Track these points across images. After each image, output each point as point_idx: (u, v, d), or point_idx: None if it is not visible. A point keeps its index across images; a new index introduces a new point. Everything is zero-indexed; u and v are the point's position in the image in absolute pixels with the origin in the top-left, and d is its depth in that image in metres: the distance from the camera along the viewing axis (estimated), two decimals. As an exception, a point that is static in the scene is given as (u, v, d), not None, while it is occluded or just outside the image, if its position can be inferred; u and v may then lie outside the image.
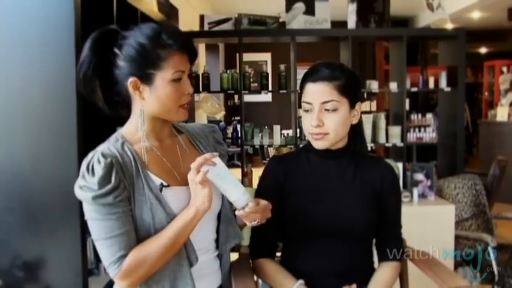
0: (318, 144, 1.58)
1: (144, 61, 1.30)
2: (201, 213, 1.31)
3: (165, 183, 1.35)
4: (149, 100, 1.34)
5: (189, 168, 1.37)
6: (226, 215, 1.48)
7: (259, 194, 1.65)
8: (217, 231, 1.48)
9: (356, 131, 1.64)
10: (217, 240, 1.49)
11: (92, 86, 1.35)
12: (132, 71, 1.32)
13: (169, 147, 1.44)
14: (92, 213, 1.28)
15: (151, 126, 1.39)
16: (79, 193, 1.28)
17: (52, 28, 1.93)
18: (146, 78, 1.32)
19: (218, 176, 1.32)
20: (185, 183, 1.38)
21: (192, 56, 1.37)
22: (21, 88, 1.95)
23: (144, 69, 1.31)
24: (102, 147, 1.33)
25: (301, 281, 1.56)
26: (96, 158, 1.28)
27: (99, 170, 1.25)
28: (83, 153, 1.96)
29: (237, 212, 1.37)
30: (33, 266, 1.98)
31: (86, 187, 1.26)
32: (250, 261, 1.68)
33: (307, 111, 1.56)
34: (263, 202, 1.40)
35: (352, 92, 1.56)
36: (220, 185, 1.34)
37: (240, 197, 1.35)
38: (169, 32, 1.32)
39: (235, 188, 1.35)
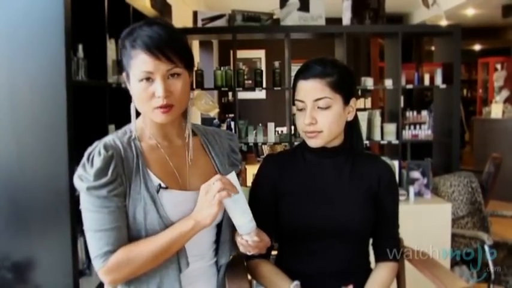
0: (312, 143, 1.54)
1: (124, 58, 1.32)
2: (200, 228, 1.29)
3: (163, 185, 1.32)
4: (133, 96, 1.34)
5: (193, 173, 1.37)
6: (227, 226, 1.45)
7: (253, 194, 1.62)
8: (217, 242, 1.46)
9: (352, 127, 1.61)
10: (216, 250, 1.47)
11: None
12: (123, 66, 1.34)
13: (178, 148, 1.41)
14: (86, 204, 1.28)
15: (157, 124, 1.36)
16: (77, 182, 1.28)
17: (41, 23, 1.89)
18: (127, 75, 1.33)
19: (230, 199, 1.28)
20: (185, 187, 1.37)
21: (169, 59, 1.27)
22: (8, 85, 1.91)
23: (125, 66, 1.32)
24: (108, 138, 1.33)
25: (296, 282, 1.52)
26: (98, 149, 1.28)
27: (97, 162, 1.25)
28: (73, 151, 1.93)
29: (238, 240, 1.36)
30: (23, 267, 1.94)
31: (83, 177, 1.26)
32: (245, 262, 1.65)
33: (300, 109, 1.53)
34: (265, 240, 1.37)
35: (345, 88, 1.52)
36: (230, 207, 1.31)
37: (246, 224, 1.32)
38: (141, 31, 1.28)
39: (242, 214, 1.32)
